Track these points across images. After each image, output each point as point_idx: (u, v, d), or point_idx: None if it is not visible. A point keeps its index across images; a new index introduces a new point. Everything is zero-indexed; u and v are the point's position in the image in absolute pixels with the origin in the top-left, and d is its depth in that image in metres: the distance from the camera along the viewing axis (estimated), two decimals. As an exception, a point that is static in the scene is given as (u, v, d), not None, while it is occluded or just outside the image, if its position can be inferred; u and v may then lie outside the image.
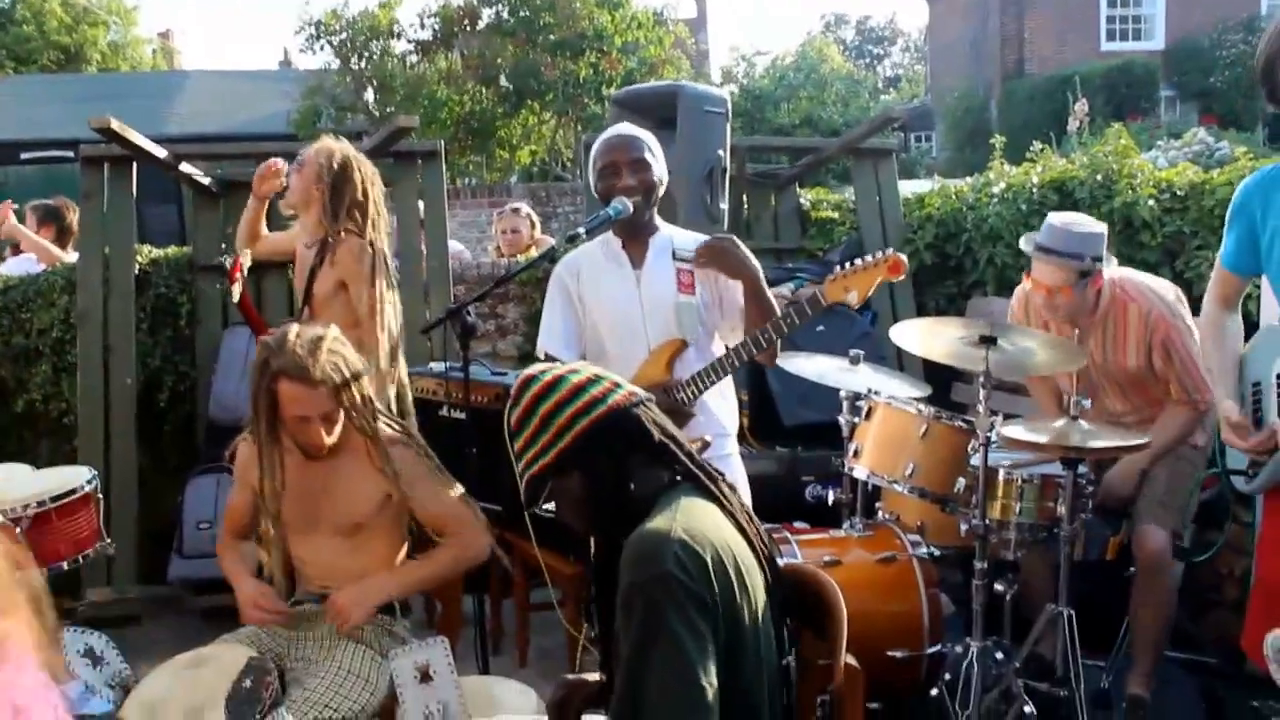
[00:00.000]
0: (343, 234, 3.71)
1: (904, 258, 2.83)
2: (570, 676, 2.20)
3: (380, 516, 2.84)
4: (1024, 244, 3.65)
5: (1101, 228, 3.57)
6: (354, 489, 2.81)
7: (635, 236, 3.06)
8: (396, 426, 2.93)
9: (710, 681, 1.73)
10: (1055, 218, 3.59)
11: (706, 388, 2.92)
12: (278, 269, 4.88)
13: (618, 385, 1.99)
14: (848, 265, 2.86)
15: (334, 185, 3.70)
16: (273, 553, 2.85)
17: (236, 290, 3.97)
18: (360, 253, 3.69)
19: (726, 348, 3.05)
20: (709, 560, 1.79)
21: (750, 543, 1.95)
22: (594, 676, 2.14)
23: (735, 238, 3.04)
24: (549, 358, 2.95)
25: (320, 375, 2.63)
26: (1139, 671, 3.47)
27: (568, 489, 1.97)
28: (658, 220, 3.11)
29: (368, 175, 3.79)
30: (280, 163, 4.14)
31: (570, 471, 1.94)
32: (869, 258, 2.84)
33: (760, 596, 1.89)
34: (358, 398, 2.74)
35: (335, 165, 3.71)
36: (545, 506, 2.04)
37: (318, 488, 2.80)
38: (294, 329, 2.72)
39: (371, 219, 3.76)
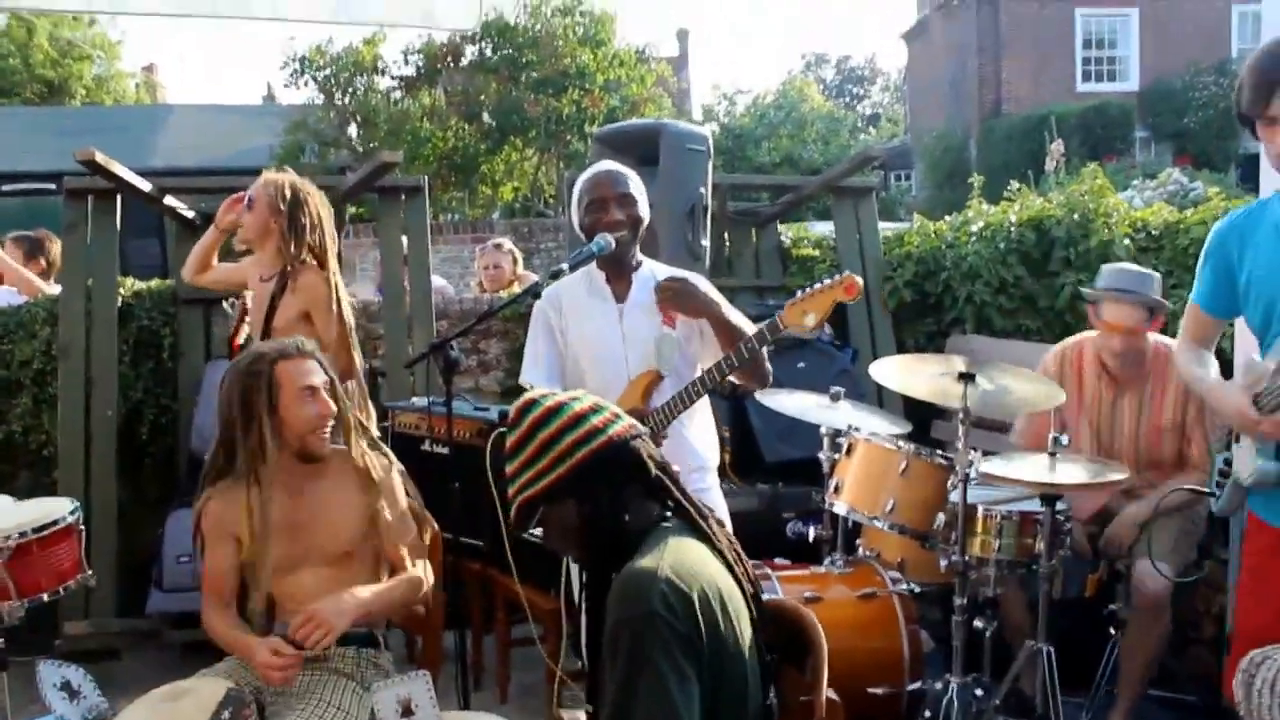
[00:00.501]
0: (305, 261, 3.74)
1: (859, 279, 2.83)
2: (563, 713, 2.19)
3: (366, 545, 2.84)
4: (1089, 294, 3.74)
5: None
6: (340, 512, 2.82)
7: (620, 272, 3.09)
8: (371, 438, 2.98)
9: None
10: (1112, 266, 3.71)
11: (676, 414, 2.95)
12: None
13: (618, 416, 2.02)
14: (804, 290, 2.86)
15: (290, 214, 3.73)
16: (257, 576, 2.79)
17: (244, 332, 3.99)
18: (324, 280, 3.72)
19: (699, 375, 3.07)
20: (695, 599, 1.81)
21: (737, 579, 1.97)
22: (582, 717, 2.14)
23: (689, 278, 3.06)
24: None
25: (310, 348, 2.84)
26: (1121, 710, 3.49)
27: (560, 516, 1.98)
28: (640, 255, 3.15)
29: (318, 200, 3.82)
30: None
31: (564, 499, 1.96)
32: (825, 281, 2.85)
33: (746, 632, 1.90)
34: (336, 377, 2.90)
35: (288, 194, 3.75)
36: (533, 532, 2.04)
37: (303, 520, 2.80)
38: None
39: (326, 244, 3.79)
